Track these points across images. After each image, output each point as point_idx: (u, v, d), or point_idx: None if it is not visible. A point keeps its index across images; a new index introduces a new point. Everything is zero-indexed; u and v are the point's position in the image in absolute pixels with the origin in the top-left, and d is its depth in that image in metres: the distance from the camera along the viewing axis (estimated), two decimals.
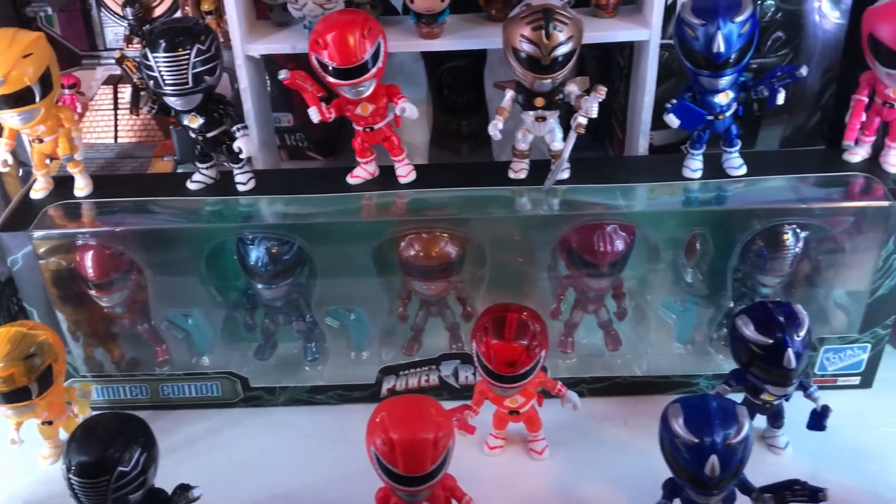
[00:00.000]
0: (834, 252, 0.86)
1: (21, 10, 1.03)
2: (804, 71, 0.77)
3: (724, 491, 0.69)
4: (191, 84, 0.76)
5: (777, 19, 1.06)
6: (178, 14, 1.00)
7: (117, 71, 1.02)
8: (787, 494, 0.70)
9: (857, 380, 0.92)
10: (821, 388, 0.90)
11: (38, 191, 0.85)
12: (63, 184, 0.87)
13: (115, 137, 1.00)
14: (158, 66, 0.75)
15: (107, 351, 0.93)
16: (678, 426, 0.67)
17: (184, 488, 0.71)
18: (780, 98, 0.79)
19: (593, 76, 0.84)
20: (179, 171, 1.01)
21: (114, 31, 1.04)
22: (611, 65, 1.08)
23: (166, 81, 0.76)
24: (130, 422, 0.71)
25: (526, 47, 0.76)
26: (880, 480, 0.80)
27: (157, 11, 1.01)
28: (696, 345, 0.91)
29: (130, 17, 1.02)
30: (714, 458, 0.66)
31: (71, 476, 0.67)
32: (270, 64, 0.98)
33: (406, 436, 0.66)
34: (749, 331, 0.77)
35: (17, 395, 0.79)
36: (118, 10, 1.01)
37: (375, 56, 0.78)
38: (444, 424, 0.68)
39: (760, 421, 0.87)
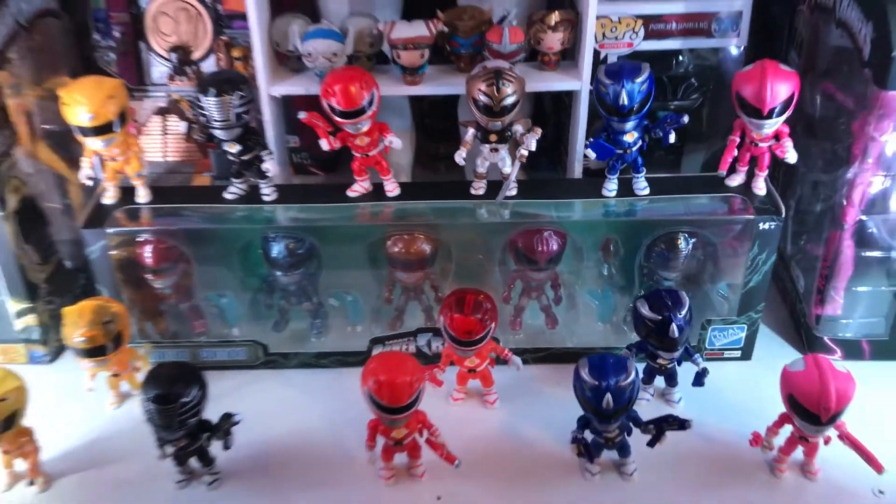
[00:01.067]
0: (715, 254, 1.10)
1: (91, 55, 1.28)
2: (685, 119, 1.03)
3: (618, 421, 0.94)
4: (233, 121, 1.01)
5: (690, 71, 1.32)
6: (212, 58, 1.26)
7: (163, 103, 1.27)
8: (664, 424, 0.96)
9: (738, 353, 1.15)
10: (710, 360, 1.14)
11: (109, 198, 1.10)
12: (126, 192, 1.13)
13: (164, 156, 1.25)
14: (209, 107, 1.00)
15: (154, 324, 1.18)
16: (584, 373, 0.92)
17: (227, 415, 0.96)
18: (671, 138, 1.04)
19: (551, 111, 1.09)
20: (216, 184, 1.24)
21: (158, 70, 1.29)
22: (562, 104, 1.35)
23: (215, 118, 1.00)
24: (190, 368, 0.95)
25: (482, 98, 1.01)
26: (749, 426, 1.01)
27: (196, 56, 1.27)
28: (613, 324, 1.16)
29: (174, 60, 1.27)
30: (609, 396, 0.91)
31: (149, 404, 0.91)
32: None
33: (390, 378, 0.90)
34: (645, 310, 1.03)
35: (96, 352, 1.03)
36: (164, 53, 1.26)
37: (370, 102, 1.01)
38: (417, 372, 0.93)
39: (661, 382, 1.12)
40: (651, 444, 0.95)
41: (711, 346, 1.15)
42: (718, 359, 1.15)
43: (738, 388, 1.11)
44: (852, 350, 1.14)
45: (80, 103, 0.98)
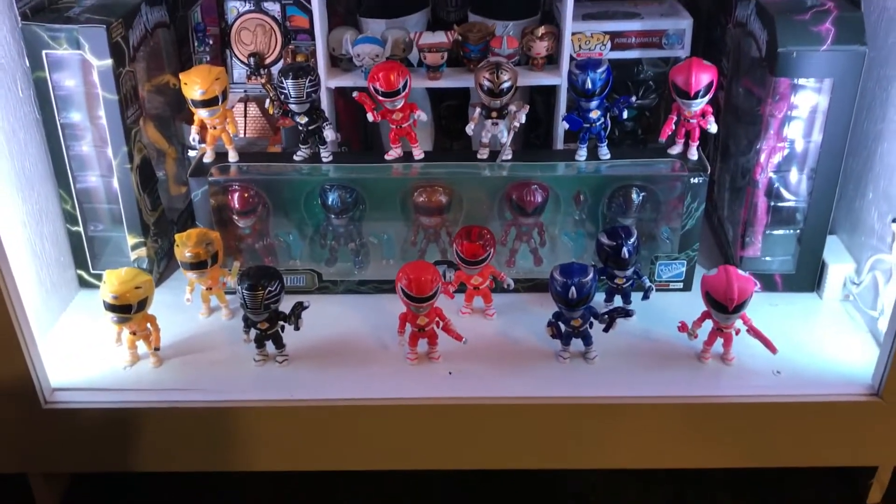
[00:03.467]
0: (659, 203, 1.45)
1: (189, 58, 1.67)
2: (633, 99, 1.40)
3: (580, 310, 1.27)
4: (304, 98, 1.38)
5: (648, 76, 1.67)
6: (281, 62, 1.63)
7: (242, 94, 1.65)
8: (614, 313, 1.30)
9: (680, 285, 1.46)
10: (658, 290, 1.47)
11: (208, 157, 1.46)
12: (219, 156, 1.49)
13: (245, 134, 1.63)
14: (288, 87, 1.37)
15: (232, 258, 1.53)
16: (556, 274, 1.26)
17: (299, 303, 1.31)
18: (625, 115, 1.41)
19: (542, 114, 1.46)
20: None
21: (238, 71, 1.67)
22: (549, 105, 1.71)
23: (292, 95, 1.37)
24: (273, 269, 1.29)
25: (486, 83, 1.37)
26: (683, 337, 1.36)
27: (268, 60, 1.65)
28: (585, 259, 1.52)
29: (251, 64, 1.64)
30: (573, 289, 1.25)
31: (243, 291, 1.26)
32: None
33: (416, 276, 1.25)
34: (604, 240, 1.36)
35: (198, 265, 1.37)
36: (244, 58, 1.65)
37: (404, 86, 1.37)
38: (436, 275, 1.27)
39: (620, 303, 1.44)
40: (605, 329, 1.30)
41: (659, 278, 1.47)
42: (665, 289, 1.47)
43: (679, 309, 1.36)
44: (769, 283, 1.47)
45: (195, 82, 1.36)
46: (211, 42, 1.62)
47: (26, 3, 1.33)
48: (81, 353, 1.35)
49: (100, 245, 1.51)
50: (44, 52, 1.33)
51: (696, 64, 1.35)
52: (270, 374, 1.32)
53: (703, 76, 1.34)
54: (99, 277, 1.47)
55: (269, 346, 1.33)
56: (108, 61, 1.33)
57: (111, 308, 1.27)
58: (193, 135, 1.43)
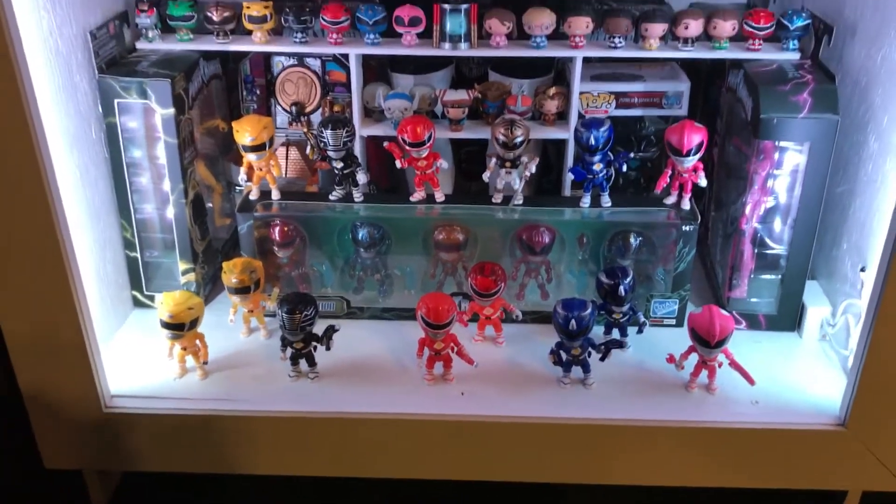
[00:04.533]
0: (655, 247, 1.61)
1: (238, 105, 1.86)
2: (632, 154, 1.57)
3: (580, 341, 1.44)
4: (341, 146, 1.57)
5: (650, 131, 1.85)
6: (320, 111, 1.82)
7: (284, 139, 1.84)
8: (610, 345, 1.46)
9: (674, 321, 1.61)
10: (653, 325, 1.62)
11: (253, 195, 1.66)
12: (263, 194, 1.67)
13: (286, 174, 1.82)
14: (327, 137, 1.55)
15: (271, 284, 1.71)
16: (559, 308, 1.42)
17: (331, 326, 1.48)
18: (624, 168, 1.58)
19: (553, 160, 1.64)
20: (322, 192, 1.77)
21: (280, 117, 1.86)
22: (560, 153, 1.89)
23: (330, 144, 1.55)
24: (309, 295, 1.46)
25: (501, 137, 1.54)
26: (673, 368, 1.51)
27: (308, 109, 1.84)
28: (587, 295, 1.67)
29: (293, 112, 1.83)
30: (573, 321, 1.41)
31: (282, 314, 1.43)
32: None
33: (434, 305, 1.42)
34: (604, 278, 1.53)
35: (242, 291, 1.56)
36: (286, 107, 1.83)
37: (429, 138, 1.55)
38: (452, 305, 1.44)
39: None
40: (602, 359, 1.46)
41: (654, 314, 1.63)
42: (659, 325, 1.62)
43: (672, 343, 1.49)
44: (754, 322, 1.62)
45: (246, 130, 1.55)
46: (258, 92, 1.82)
47: (102, 58, 1.52)
48: (136, 365, 1.53)
49: (153, 269, 1.69)
50: (115, 100, 1.52)
51: (688, 126, 1.52)
52: (303, 389, 1.49)
53: (695, 136, 1.51)
54: (151, 298, 1.67)
55: (303, 364, 1.50)
56: (171, 110, 1.52)
57: (166, 326, 1.44)
58: (242, 175, 1.61)
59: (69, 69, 1.42)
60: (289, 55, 1.75)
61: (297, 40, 1.62)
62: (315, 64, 1.78)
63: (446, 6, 1.56)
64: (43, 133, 1.25)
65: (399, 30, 1.59)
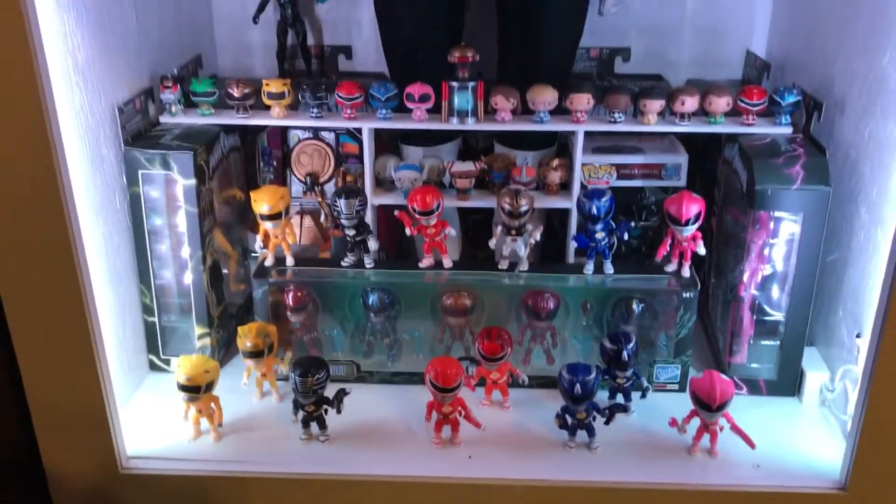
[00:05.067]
0: (657, 313, 1.67)
1: (255, 176, 1.95)
2: (633, 223, 1.63)
3: (584, 405, 1.47)
4: (354, 215, 1.63)
5: (650, 201, 1.92)
6: (333, 181, 1.90)
7: (298, 207, 1.92)
8: (614, 409, 1.50)
9: (676, 386, 1.65)
10: (656, 390, 1.67)
11: (268, 261, 1.72)
12: (278, 260, 1.74)
13: (300, 241, 1.88)
14: (341, 206, 1.62)
15: (284, 349, 1.76)
16: (564, 372, 1.46)
17: (341, 390, 1.52)
18: (626, 236, 1.65)
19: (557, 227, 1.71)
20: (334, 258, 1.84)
21: (295, 187, 1.94)
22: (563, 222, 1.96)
23: (343, 213, 1.62)
24: (321, 359, 1.52)
25: (506, 206, 1.61)
26: (676, 432, 1.56)
27: (322, 179, 1.91)
28: (591, 360, 1.71)
29: (308, 182, 1.90)
30: (578, 385, 1.45)
31: (295, 377, 1.48)
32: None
33: (443, 369, 1.46)
34: (608, 344, 1.57)
35: (256, 355, 1.61)
36: (301, 177, 1.91)
37: (437, 207, 1.62)
38: (460, 370, 1.49)
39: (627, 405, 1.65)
40: (606, 422, 1.50)
41: (657, 380, 1.67)
42: (662, 390, 1.67)
43: (674, 408, 1.53)
44: (754, 387, 1.66)
45: (263, 200, 1.62)
46: (274, 163, 1.90)
47: (128, 132, 1.61)
48: (152, 427, 1.57)
49: (169, 334, 1.74)
50: (140, 171, 1.60)
51: (686, 196, 1.58)
52: (314, 451, 1.52)
53: (693, 207, 1.57)
54: (167, 362, 1.71)
55: (314, 427, 1.54)
56: (192, 181, 1.60)
57: (183, 388, 1.49)
58: (258, 242, 1.68)
59: (97, 142, 1.50)
60: (305, 129, 1.84)
61: (314, 115, 1.70)
62: (329, 137, 1.86)
63: (454, 84, 1.64)
64: (73, 203, 1.32)
65: (409, 105, 1.67)
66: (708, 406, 1.44)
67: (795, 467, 1.47)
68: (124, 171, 1.60)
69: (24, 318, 1.38)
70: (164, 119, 1.72)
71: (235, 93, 1.69)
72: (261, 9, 2.00)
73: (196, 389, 1.48)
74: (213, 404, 1.53)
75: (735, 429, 1.48)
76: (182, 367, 1.49)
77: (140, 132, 1.66)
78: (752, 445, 1.47)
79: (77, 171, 1.40)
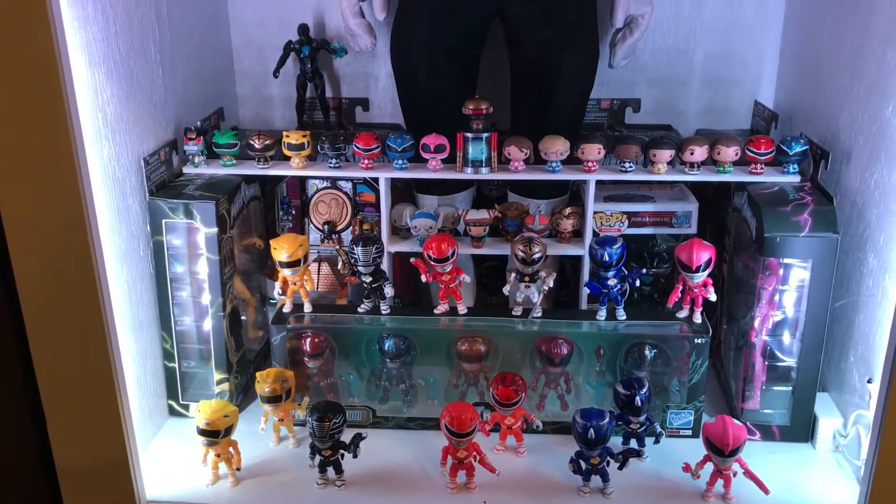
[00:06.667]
0: (669, 359, 1.69)
1: (274, 224, 2.00)
2: (644, 270, 1.66)
3: (598, 449, 1.49)
4: (370, 262, 1.67)
5: (662, 248, 1.96)
6: (350, 229, 1.95)
7: (316, 255, 1.96)
8: (627, 454, 1.51)
9: (689, 432, 1.65)
10: (669, 436, 1.68)
11: (286, 308, 1.76)
12: (296, 306, 1.77)
13: (318, 288, 1.92)
14: (358, 254, 1.66)
15: (301, 394, 1.78)
16: (577, 417, 1.48)
17: (358, 434, 1.54)
18: (637, 283, 1.68)
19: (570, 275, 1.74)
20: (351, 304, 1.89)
21: (313, 235, 1.99)
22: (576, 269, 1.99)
23: (360, 260, 1.66)
24: (338, 404, 1.54)
25: (520, 254, 1.65)
26: (690, 477, 1.56)
27: (339, 227, 1.96)
28: (604, 405, 1.73)
29: (325, 230, 1.96)
30: (592, 430, 1.47)
31: (313, 422, 1.50)
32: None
33: (458, 414, 1.49)
34: (621, 389, 1.59)
35: (275, 400, 1.64)
36: (319, 225, 1.96)
37: (452, 254, 1.67)
38: (475, 414, 1.51)
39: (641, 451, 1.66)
40: (620, 467, 1.51)
41: (670, 425, 1.68)
42: (675, 436, 1.67)
43: (688, 453, 1.52)
44: (767, 433, 1.67)
45: (283, 248, 1.66)
46: (293, 211, 1.95)
47: (153, 182, 1.66)
48: (171, 472, 1.59)
49: (188, 379, 1.77)
50: (163, 220, 1.65)
51: (696, 244, 1.61)
52: (330, 496, 1.54)
53: (703, 254, 1.60)
54: (186, 407, 1.74)
55: (330, 472, 1.56)
56: (214, 230, 1.65)
57: (202, 433, 1.51)
58: (277, 289, 1.71)
59: (124, 192, 1.55)
60: (323, 178, 1.89)
61: (332, 165, 1.76)
62: (347, 186, 1.91)
63: (469, 134, 1.69)
64: (101, 253, 1.37)
65: (425, 156, 1.72)
66: (721, 451, 1.45)
67: None
68: (148, 221, 1.64)
69: (50, 364, 1.42)
70: (187, 170, 1.78)
71: (257, 144, 1.74)
72: (281, 63, 2.06)
73: (215, 434, 1.51)
74: (231, 449, 1.56)
75: (748, 474, 1.48)
76: (202, 411, 1.52)
77: (164, 182, 1.71)
78: (766, 491, 1.48)
79: (104, 221, 1.45)
